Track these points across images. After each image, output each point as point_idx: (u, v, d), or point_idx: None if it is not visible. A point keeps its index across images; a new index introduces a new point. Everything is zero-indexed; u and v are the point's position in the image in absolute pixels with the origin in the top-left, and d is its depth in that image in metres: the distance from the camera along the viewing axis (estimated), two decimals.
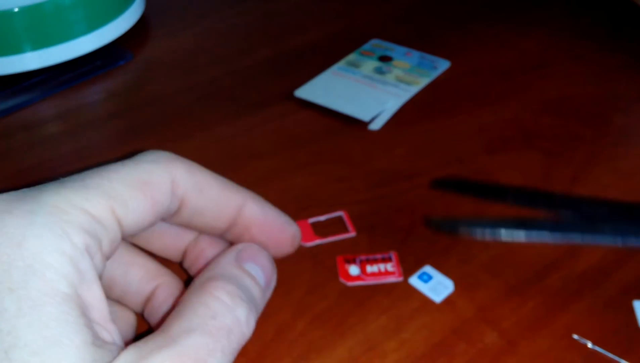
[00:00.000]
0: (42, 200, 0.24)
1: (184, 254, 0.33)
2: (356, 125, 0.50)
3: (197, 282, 0.27)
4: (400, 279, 0.37)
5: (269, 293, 0.29)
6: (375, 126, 0.50)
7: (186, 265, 0.33)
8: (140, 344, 0.24)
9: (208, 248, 0.33)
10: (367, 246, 0.39)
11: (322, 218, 0.41)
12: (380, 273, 0.37)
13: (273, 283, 0.30)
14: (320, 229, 0.41)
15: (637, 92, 0.53)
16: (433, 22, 0.64)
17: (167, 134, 0.50)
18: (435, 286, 0.37)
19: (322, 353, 0.34)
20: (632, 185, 0.43)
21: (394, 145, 0.48)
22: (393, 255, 0.38)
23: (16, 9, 0.54)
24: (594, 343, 0.33)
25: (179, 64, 0.60)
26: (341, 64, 0.57)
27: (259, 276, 0.29)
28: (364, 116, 0.50)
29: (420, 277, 0.37)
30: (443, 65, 0.57)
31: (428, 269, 0.38)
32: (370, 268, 0.37)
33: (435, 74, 0.55)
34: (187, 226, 0.31)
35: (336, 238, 0.40)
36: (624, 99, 0.52)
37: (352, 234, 0.40)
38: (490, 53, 0.59)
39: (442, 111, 0.51)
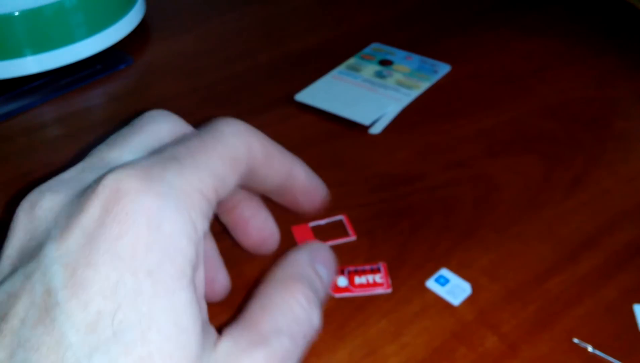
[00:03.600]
0: (168, 182, 0.25)
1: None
2: (357, 129, 0.50)
3: (278, 276, 0.29)
4: (389, 290, 0.37)
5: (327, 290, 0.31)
6: (375, 130, 0.50)
7: (219, 211, 0.34)
8: (234, 334, 0.25)
9: (244, 201, 0.34)
10: (367, 250, 0.39)
11: (322, 221, 0.41)
12: (368, 285, 0.37)
13: (330, 286, 0.32)
14: (321, 233, 0.41)
15: (637, 96, 0.53)
16: (433, 27, 0.64)
17: None
18: (453, 289, 0.37)
19: (322, 357, 0.34)
20: (632, 189, 0.43)
21: (394, 149, 0.48)
22: (382, 265, 0.38)
23: (17, 13, 0.54)
24: (594, 347, 0.33)
25: (179, 68, 0.60)
26: (342, 68, 0.57)
27: (325, 278, 0.30)
28: (364, 120, 0.50)
29: (437, 280, 0.37)
30: (443, 69, 0.57)
31: (445, 272, 0.38)
32: (358, 279, 0.37)
33: (435, 78, 0.56)
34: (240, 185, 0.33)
35: (336, 241, 0.40)
36: (624, 103, 0.52)
37: (352, 238, 0.40)
38: (491, 57, 0.59)
39: (442, 115, 0.51)
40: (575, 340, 0.34)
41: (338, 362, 0.33)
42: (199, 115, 0.53)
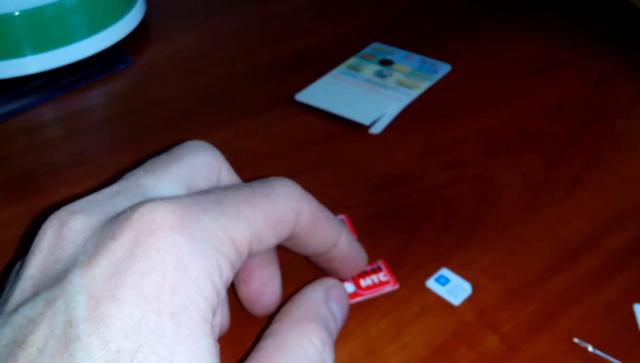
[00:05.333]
0: (204, 225, 0.25)
1: None
2: (357, 129, 0.50)
3: (294, 313, 0.29)
4: (397, 286, 0.37)
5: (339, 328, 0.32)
6: (376, 129, 0.50)
7: None
8: None
9: (260, 264, 0.34)
10: (368, 250, 0.39)
11: None
12: (375, 285, 0.37)
13: (344, 321, 0.32)
14: None
15: (637, 95, 0.53)
16: (434, 26, 0.64)
17: (168, 138, 0.50)
18: (453, 289, 0.37)
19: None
20: (633, 189, 0.43)
21: (394, 149, 0.48)
22: (381, 263, 0.38)
23: (17, 13, 0.54)
24: (594, 347, 0.33)
25: (180, 67, 0.60)
26: (342, 67, 0.57)
27: (338, 317, 0.31)
28: (364, 119, 0.50)
29: (437, 280, 0.37)
30: (444, 69, 0.57)
31: (445, 272, 0.38)
32: (364, 282, 0.37)
33: (436, 78, 0.55)
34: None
35: None
36: (624, 102, 0.52)
37: None
38: (491, 57, 0.59)
39: (442, 115, 0.51)
40: (576, 340, 0.34)
41: (338, 361, 0.33)
42: (200, 115, 0.53)
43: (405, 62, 0.58)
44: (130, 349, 0.22)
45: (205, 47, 0.63)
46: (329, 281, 0.32)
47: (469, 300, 0.36)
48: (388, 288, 0.37)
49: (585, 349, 0.33)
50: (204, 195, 0.26)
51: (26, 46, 0.56)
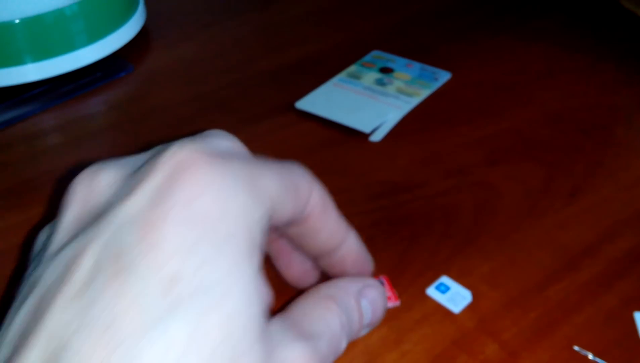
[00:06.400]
0: (237, 167, 0.25)
1: None
2: (357, 137, 0.50)
3: (322, 292, 0.29)
4: (398, 303, 0.36)
5: (366, 331, 0.32)
6: (376, 137, 0.50)
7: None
8: (282, 323, 0.26)
9: (293, 247, 0.34)
10: None
11: None
12: None
13: (374, 325, 0.32)
14: None
15: (637, 103, 0.53)
16: (434, 34, 0.64)
17: None
18: (454, 296, 0.37)
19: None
20: (633, 196, 0.43)
21: (395, 156, 0.48)
22: (384, 279, 0.38)
23: (17, 21, 0.54)
24: (595, 354, 0.33)
25: (180, 75, 0.60)
26: (342, 75, 0.57)
27: (367, 316, 0.31)
28: (365, 127, 0.50)
29: (437, 288, 0.37)
30: (444, 76, 0.57)
31: (445, 279, 0.38)
32: None
33: (436, 86, 0.56)
34: (290, 239, 0.33)
35: None
36: (625, 110, 0.52)
37: None
38: (491, 65, 0.59)
39: (443, 123, 0.51)
40: (576, 348, 0.34)
41: None
42: (200, 122, 0.53)
43: (406, 70, 0.58)
44: (187, 272, 0.22)
45: (205, 54, 0.63)
46: (370, 280, 0.32)
47: (469, 308, 0.36)
48: (389, 305, 0.36)
49: (586, 357, 0.33)
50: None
51: (26, 53, 0.56)
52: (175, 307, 0.21)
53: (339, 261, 0.33)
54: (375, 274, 0.37)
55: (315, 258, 0.34)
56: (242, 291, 0.22)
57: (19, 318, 0.22)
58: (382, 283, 0.37)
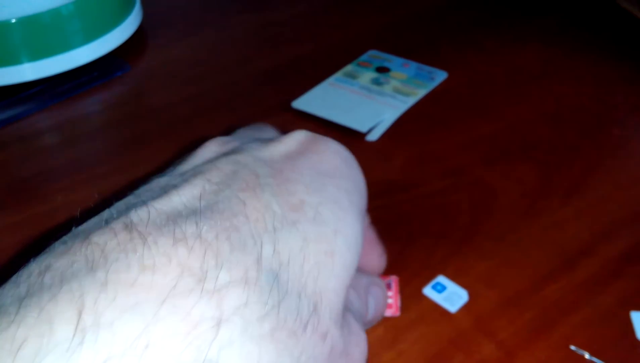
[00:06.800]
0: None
1: None
2: (353, 136, 0.50)
3: None
4: (397, 314, 0.36)
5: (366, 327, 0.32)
6: (372, 137, 0.50)
7: None
8: None
9: None
10: None
11: None
12: None
13: (371, 325, 0.32)
14: None
15: (634, 103, 0.53)
16: (430, 33, 0.64)
17: (165, 145, 0.50)
18: (450, 296, 0.37)
19: None
20: (629, 196, 0.43)
21: (391, 156, 0.48)
22: (394, 282, 0.36)
23: (14, 20, 0.54)
24: (591, 354, 0.33)
25: (177, 75, 0.60)
26: (338, 75, 0.57)
27: (370, 312, 0.31)
28: (361, 127, 0.50)
29: (434, 287, 0.37)
30: (440, 76, 0.57)
31: (442, 279, 0.38)
32: None
33: (432, 85, 0.56)
34: None
35: None
36: (621, 110, 0.52)
37: None
38: (488, 64, 0.59)
39: (439, 122, 0.51)
40: (572, 347, 0.34)
41: None
42: (196, 122, 0.53)
43: (402, 69, 0.58)
44: (314, 202, 0.25)
45: (201, 54, 0.63)
46: (375, 278, 0.32)
47: (465, 308, 0.36)
48: (387, 313, 0.35)
49: (582, 356, 0.33)
50: None
51: (23, 53, 0.56)
52: (296, 222, 0.24)
53: None
54: (386, 276, 0.36)
55: None
56: (350, 237, 0.25)
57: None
58: (389, 284, 0.36)
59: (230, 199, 0.23)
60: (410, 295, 0.37)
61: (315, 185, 0.25)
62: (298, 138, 0.29)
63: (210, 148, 0.28)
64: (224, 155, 0.26)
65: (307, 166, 0.26)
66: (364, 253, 0.33)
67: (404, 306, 0.36)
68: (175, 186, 0.24)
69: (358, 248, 0.26)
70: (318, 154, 0.27)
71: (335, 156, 0.28)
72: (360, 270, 0.33)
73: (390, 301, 0.36)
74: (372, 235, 0.33)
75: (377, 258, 0.34)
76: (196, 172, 0.25)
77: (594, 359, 0.33)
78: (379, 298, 0.31)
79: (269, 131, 0.34)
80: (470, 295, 0.37)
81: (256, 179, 0.24)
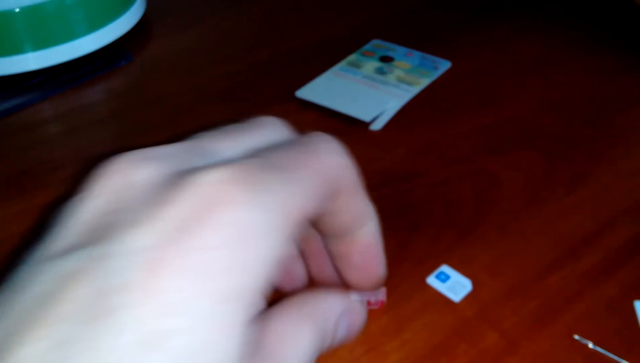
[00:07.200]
0: (268, 199, 0.23)
1: None
2: (357, 125, 0.50)
3: (303, 311, 0.27)
4: (375, 307, 0.35)
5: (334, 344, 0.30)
6: (376, 126, 0.50)
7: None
8: (256, 341, 0.24)
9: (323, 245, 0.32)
10: None
11: None
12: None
13: (343, 343, 0.30)
14: None
15: (636, 92, 0.52)
16: (434, 23, 0.64)
17: (168, 135, 0.50)
18: (454, 285, 0.37)
19: (322, 354, 0.34)
20: (633, 185, 0.43)
21: (395, 145, 0.48)
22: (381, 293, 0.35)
23: (17, 9, 0.54)
24: (595, 343, 0.33)
25: (180, 64, 0.60)
26: (342, 64, 0.57)
27: (338, 338, 0.29)
28: (365, 116, 0.50)
29: (437, 277, 0.37)
30: (444, 65, 0.57)
31: (445, 268, 0.38)
32: None
33: (436, 75, 0.55)
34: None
35: None
36: (624, 99, 0.52)
37: None
38: (491, 53, 0.59)
39: (443, 111, 0.51)
40: (576, 337, 0.34)
41: (338, 358, 0.33)
42: (200, 112, 0.53)
43: (406, 58, 0.58)
44: (181, 328, 0.20)
45: (205, 43, 0.63)
46: (352, 302, 0.30)
47: (469, 297, 0.36)
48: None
49: (586, 346, 0.33)
50: (261, 158, 0.25)
51: (26, 42, 0.56)
52: None
53: (349, 247, 0.31)
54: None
55: (326, 237, 0.31)
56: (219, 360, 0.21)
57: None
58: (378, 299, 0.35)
59: (69, 345, 0.19)
60: (414, 284, 0.37)
61: (190, 296, 0.21)
62: (203, 192, 0.22)
63: (93, 206, 0.23)
64: (91, 246, 0.22)
65: (189, 261, 0.21)
66: (365, 261, 0.31)
67: (407, 296, 0.36)
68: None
69: (244, 348, 0.22)
70: (208, 235, 0.22)
71: (225, 243, 0.22)
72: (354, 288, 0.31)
73: (375, 307, 0.35)
74: (373, 238, 0.31)
75: (376, 268, 0.32)
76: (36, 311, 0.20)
77: (598, 348, 0.33)
78: (354, 326, 0.30)
79: (269, 131, 0.30)
80: (474, 284, 0.37)
81: (116, 297, 0.20)
